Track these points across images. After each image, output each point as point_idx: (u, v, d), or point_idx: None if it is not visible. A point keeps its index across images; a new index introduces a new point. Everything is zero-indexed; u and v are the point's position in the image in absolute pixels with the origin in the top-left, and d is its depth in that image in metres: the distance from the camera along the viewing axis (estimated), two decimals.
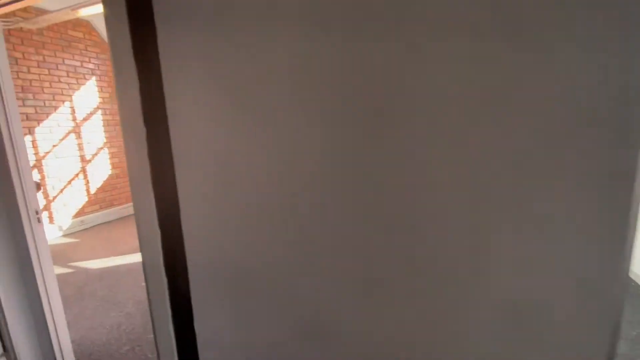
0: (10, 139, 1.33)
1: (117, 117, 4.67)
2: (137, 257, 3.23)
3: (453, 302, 0.43)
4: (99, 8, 3.08)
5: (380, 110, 0.50)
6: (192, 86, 0.98)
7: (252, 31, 0.84)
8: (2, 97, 1.30)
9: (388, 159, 0.45)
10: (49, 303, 1.55)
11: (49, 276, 1.53)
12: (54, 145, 3.87)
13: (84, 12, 3.08)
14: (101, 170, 4.49)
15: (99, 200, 4.46)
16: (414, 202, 0.44)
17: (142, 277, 2.28)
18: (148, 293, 1.16)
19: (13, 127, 1.33)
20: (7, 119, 1.31)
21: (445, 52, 0.39)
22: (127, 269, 2.98)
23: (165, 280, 1.13)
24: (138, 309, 2.29)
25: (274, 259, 0.97)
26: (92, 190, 4.37)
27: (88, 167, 4.31)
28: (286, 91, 0.81)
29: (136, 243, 3.63)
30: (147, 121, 1.00)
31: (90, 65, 4.28)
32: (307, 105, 0.80)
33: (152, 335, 1.98)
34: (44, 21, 3.28)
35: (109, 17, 1.02)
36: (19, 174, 1.37)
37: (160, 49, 0.94)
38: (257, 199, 1.00)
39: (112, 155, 4.63)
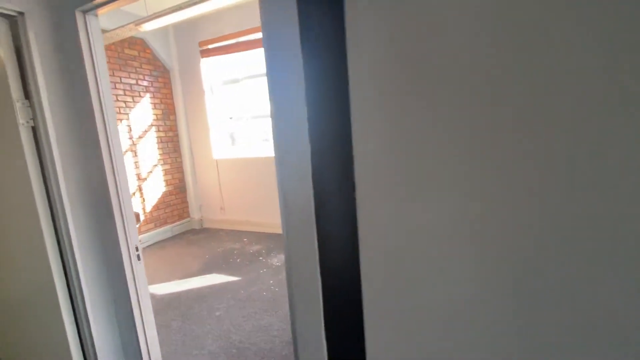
0: (112, 167, 1.12)
1: (170, 134, 4.60)
2: (202, 281, 3.04)
3: None
4: (160, 22, 2.98)
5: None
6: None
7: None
8: (104, 121, 1.10)
9: None
10: (148, 350, 1.32)
11: (148, 318, 1.31)
12: None
13: (147, 27, 2.99)
14: (155, 187, 4.41)
15: (154, 218, 4.38)
16: None
17: (215, 306, 2.03)
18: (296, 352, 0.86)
19: (115, 156, 1.12)
20: (109, 147, 1.11)
21: None
22: (196, 295, 2.77)
23: (324, 347, 0.82)
24: (220, 347, 2.05)
25: None
26: (148, 209, 4.29)
27: (143, 185, 4.24)
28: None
29: (199, 265, 3.45)
30: (314, 135, 0.71)
31: (145, 83, 4.25)
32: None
33: None
34: (106, 39, 3.23)
35: None
36: (120, 204, 1.15)
37: (349, 37, 0.64)
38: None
39: (165, 172, 4.55)
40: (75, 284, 1.17)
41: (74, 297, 1.22)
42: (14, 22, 1.06)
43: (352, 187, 0.68)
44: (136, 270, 1.20)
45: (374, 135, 0.67)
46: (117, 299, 1.26)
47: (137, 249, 1.20)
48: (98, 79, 1.08)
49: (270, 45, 0.71)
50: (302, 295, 0.83)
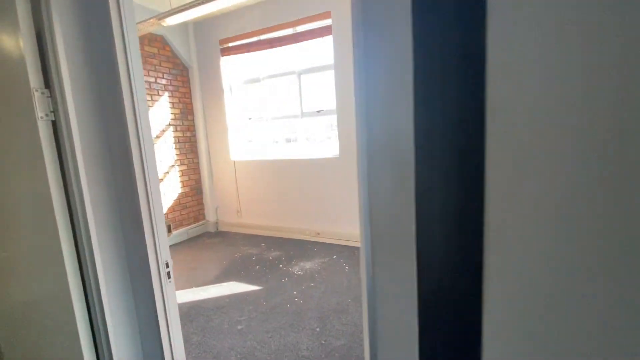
0: (143, 170, 0.96)
1: (187, 134, 4.48)
2: (221, 289, 2.88)
3: None
4: (182, 17, 2.85)
5: None
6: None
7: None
8: (136, 117, 0.94)
9: None
10: None
11: (177, 344, 1.13)
12: None
13: (169, 22, 2.87)
14: (172, 189, 4.29)
15: (170, 220, 4.25)
16: None
17: (236, 318, 1.83)
18: None
19: (147, 158, 0.96)
20: (140, 147, 0.95)
21: None
22: (214, 305, 2.61)
23: None
24: None
25: None
26: (164, 211, 4.16)
27: (160, 186, 4.12)
28: None
29: (217, 271, 3.29)
30: (422, 132, 0.54)
31: (163, 81, 4.14)
32: None
33: None
34: None
35: None
36: (150, 214, 0.99)
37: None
38: None
39: (182, 173, 4.43)
40: (97, 309, 1.01)
41: (94, 321, 1.06)
42: (36, 0, 0.91)
43: (479, 203, 0.51)
44: (166, 291, 1.03)
45: (525, 142, 0.48)
46: (143, 322, 1.10)
47: (167, 266, 1.04)
48: (130, 69, 0.93)
49: (366, 16, 0.53)
50: (389, 333, 0.65)
